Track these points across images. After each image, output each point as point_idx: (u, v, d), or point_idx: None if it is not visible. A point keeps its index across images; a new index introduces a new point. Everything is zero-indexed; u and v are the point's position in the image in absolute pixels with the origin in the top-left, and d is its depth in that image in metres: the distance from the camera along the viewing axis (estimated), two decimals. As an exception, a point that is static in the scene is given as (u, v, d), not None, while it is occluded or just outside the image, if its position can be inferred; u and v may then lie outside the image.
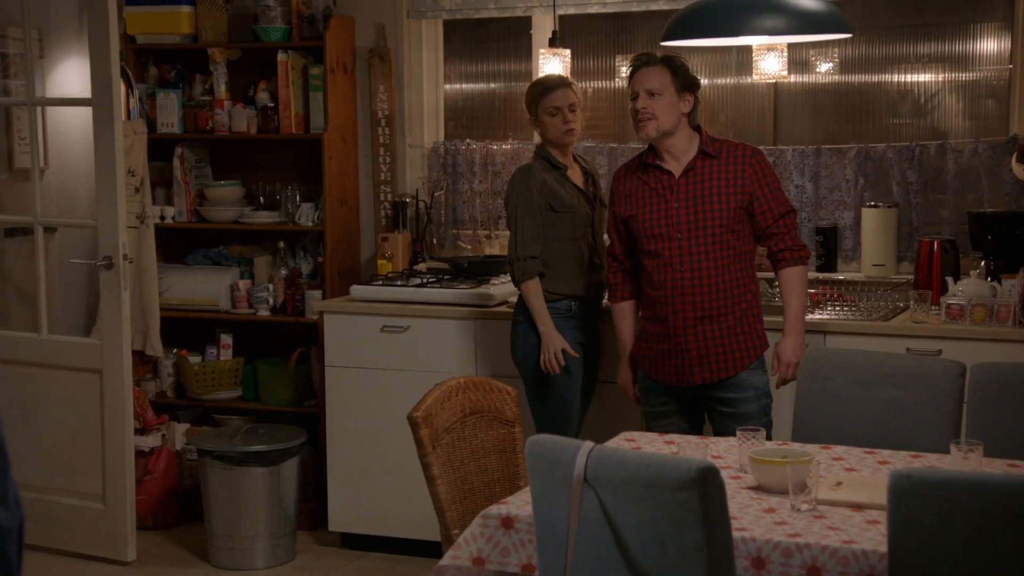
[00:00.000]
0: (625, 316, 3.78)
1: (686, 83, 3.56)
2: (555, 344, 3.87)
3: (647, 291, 3.67)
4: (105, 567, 4.48)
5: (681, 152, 3.59)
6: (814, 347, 3.86)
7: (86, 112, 4.56)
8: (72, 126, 5.03)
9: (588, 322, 4.01)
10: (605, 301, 4.04)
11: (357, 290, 4.61)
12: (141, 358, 5.00)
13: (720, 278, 3.55)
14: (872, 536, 2.39)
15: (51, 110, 4.94)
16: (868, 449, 3.08)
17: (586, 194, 4.03)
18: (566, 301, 3.97)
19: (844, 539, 2.38)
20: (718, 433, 3.59)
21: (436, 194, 5.00)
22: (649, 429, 3.65)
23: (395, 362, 4.46)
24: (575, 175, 4.06)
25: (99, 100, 4.38)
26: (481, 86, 5.20)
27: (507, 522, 2.64)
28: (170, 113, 5.08)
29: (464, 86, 5.22)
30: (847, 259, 4.57)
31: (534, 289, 3.91)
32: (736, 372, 3.58)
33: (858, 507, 2.57)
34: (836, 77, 4.69)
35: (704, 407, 3.69)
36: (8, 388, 4.58)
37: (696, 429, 3.69)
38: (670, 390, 3.66)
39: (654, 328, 3.64)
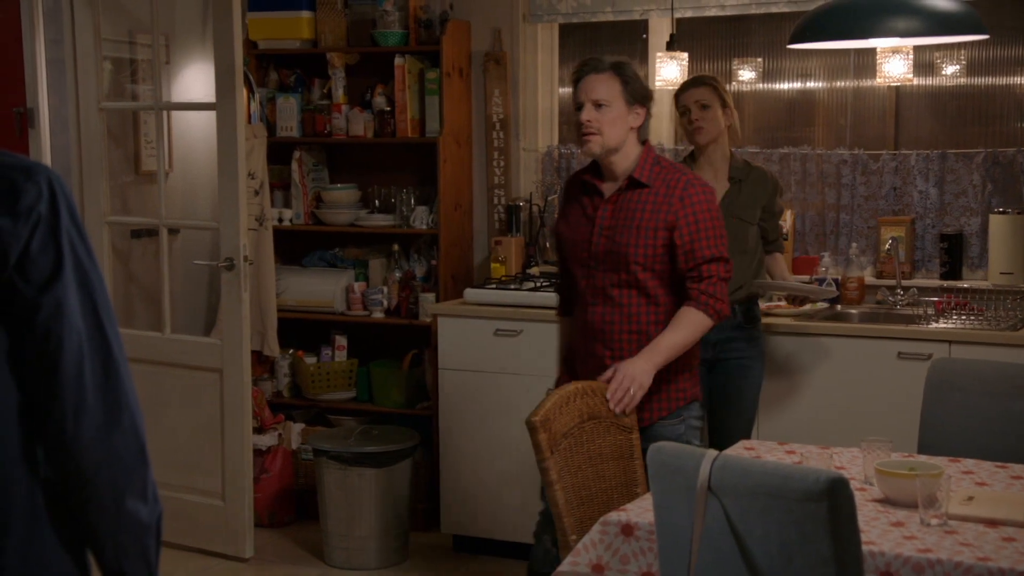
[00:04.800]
0: (565, 333, 3.48)
1: (637, 94, 3.23)
2: None
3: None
4: (224, 563, 4.56)
5: (623, 172, 3.26)
6: (940, 356, 3.76)
7: (208, 116, 4.66)
8: (195, 130, 5.15)
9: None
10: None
11: (470, 293, 4.63)
12: (259, 358, 5.08)
13: (635, 320, 3.21)
14: (1009, 554, 2.31)
15: (175, 114, 5.07)
16: (999, 463, 2.98)
17: None
18: None
19: (978, 556, 2.31)
20: None
21: (549, 198, 4.99)
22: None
23: (508, 365, 4.46)
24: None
25: (222, 105, 4.47)
26: (595, 90, 5.17)
27: (627, 529, 2.61)
28: (289, 117, 5.17)
29: (578, 90, 5.20)
30: (973, 267, 4.45)
31: None
32: (648, 423, 3.24)
33: (992, 523, 2.49)
34: (962, 80, 4.56)
35: None
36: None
37: None
38: None
39: (579, 365, 3.34)
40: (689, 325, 3.20)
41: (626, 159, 3.25)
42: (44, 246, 1.50)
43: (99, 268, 1.59)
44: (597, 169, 3.32)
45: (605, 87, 3.20)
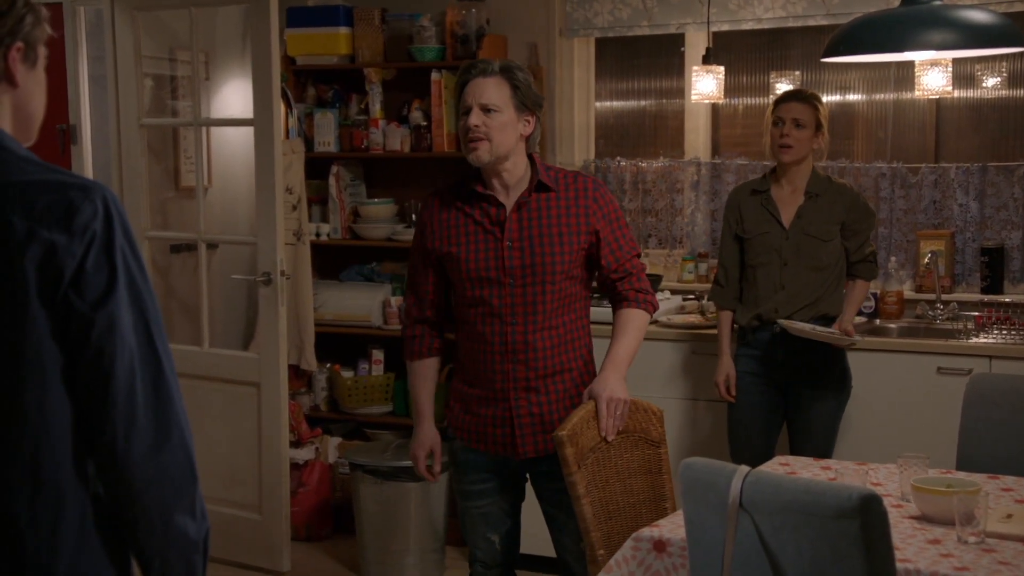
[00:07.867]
0: (426, 376, 3.18)
1: (528, 101, 3.00)
2: (720, 370, 3.99)
3: (466, 346, 3.10)
4: (261, 576, 4.60)
5: (515, 181, 3.02)
6: (979, 372, 3.71)
7: (247, 132, 4.69)
8: (233, 145, 5.19)
9: (768, 351, 3.91)
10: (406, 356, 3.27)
11: (507, 308, 4.62)
12: (296, 372, 5.11)
13: (556, 332, 3.03)
14: (1047, 573, 2.28)
15: (214, 130, 5.11)
16: (1039, 480, 2.94)
17: (778, 220, 3.89)
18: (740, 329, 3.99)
19: (1017, 575, 2.27)
20: (547, 503, 3.19)
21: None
22: (462, 511, 3.23)
23: (544, 380, 4.44)
24: (784, 196, 3.91)
25: (260, 120, 4.50)
26: (631, 103, 5.17)
27: (659, 545, 2.60)
28: (327, 132, 5.20)
29: (615, 103, 5.20)
30: (1014, 280, 4.39)
31: (719, 319, 4.04)
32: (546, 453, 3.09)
33: (1030, 541, 2.46)
34: (1003, 92, 4.51)
35: (529, 477, 3.22)
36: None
37: (515, 509, 3.27)
38: (495, 463, 3.14)
39: (478, 391, 3.08)
40: (638, 327, 3.09)
41: (516, 168, 3.02)
42: (98, 263, 1.53)
43: (151, 286, 1.61)
44: (480, 183, 3.05)
45: (495, 91, 2.97)
